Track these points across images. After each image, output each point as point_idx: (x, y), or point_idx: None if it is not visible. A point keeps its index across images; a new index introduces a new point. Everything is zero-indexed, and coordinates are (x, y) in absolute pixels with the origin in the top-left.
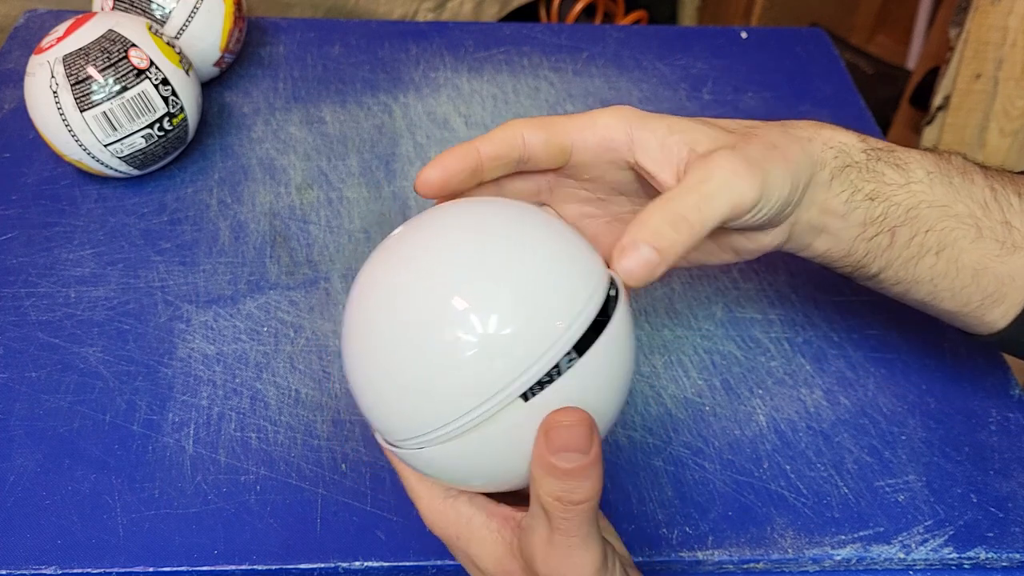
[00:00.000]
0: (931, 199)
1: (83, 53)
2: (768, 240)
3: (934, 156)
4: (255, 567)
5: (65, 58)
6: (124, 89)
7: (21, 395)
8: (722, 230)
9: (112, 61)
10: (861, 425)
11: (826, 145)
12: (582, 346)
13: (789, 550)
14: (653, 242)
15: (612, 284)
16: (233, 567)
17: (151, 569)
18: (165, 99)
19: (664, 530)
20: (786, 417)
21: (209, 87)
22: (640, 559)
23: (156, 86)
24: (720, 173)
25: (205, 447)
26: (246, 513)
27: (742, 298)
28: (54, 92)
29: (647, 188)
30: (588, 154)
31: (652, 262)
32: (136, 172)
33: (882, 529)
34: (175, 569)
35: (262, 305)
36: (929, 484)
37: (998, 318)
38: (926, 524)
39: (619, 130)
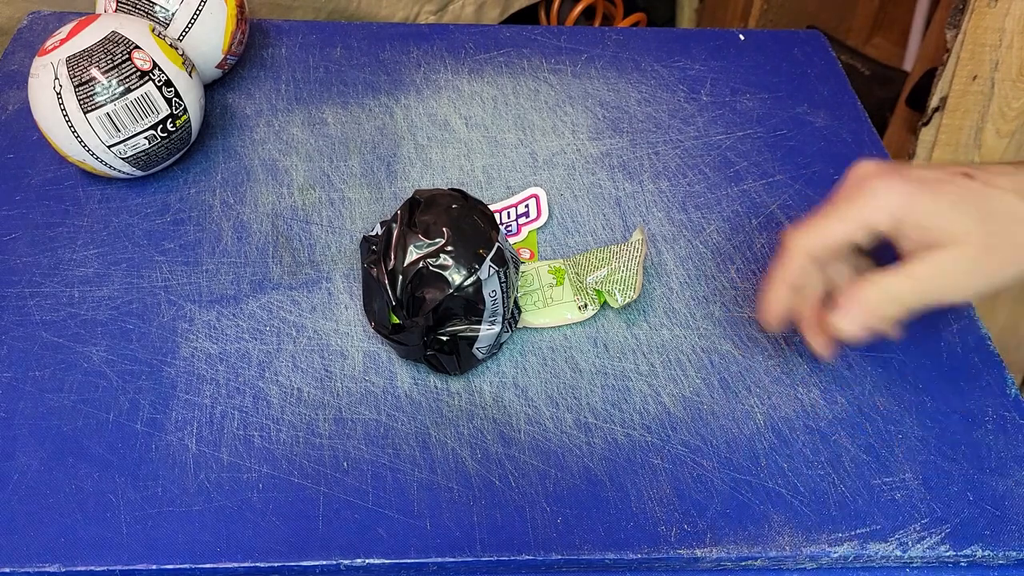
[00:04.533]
0: None
1: (87, 55)
2: None
3: None
4: (257, 564)
5: (69, 60)
6: (127, 91)
7: (25, 394)
8: None
9: (115, 63)
10: (858, 424)
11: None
12: None
13: (786, 548)
14: (870, 313)
15: None
16: (236, 565)
17: (154, 567)
18: (168, 101)
19: (662, 528)
20: (783, 416)
21: (212, 89)
22: (638, 557)
23: (159, 88)
24: (932, 277)
25: (208, 445)
26: (249, 511)
27: (740, 298)
28: (58, 93)
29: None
30: (863, 245)
31: (863, 327)
32: (139, 173)
33: (879, 527)
34: (178, 567)
35: (264, 305)
36: (926, 482)
37: None
38: (923, 522)
39: (884, 224)
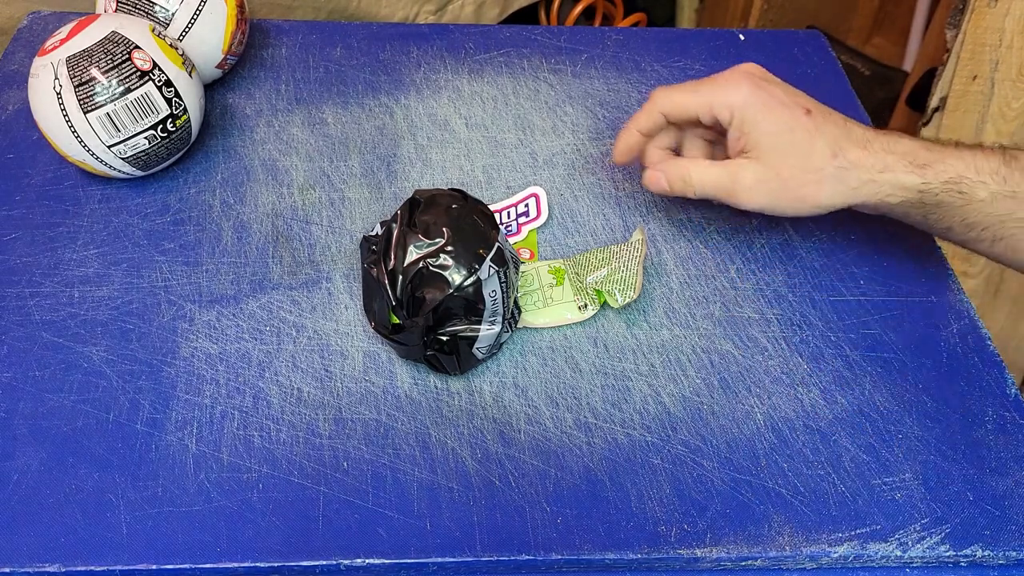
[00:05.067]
0: (990, 211)
1: (87, 55)
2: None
3: (1006, 171)
4: (257, 564)
5: (69, 60)
6: (127, 91)
7: (25, 394)
8: None
9: (115, 63)
10: (858, 424)
11: (876, 192)
12: None
13: (786, 548)
14: (668, 178)
15: None
16: (236, 564)
17: (154, 567)
18: (168, 101)
19: (663, 528)
20: (783, 416)
21: (212, 89)
22: (638, 557)
23: (159, 88)
24: (732, 174)
25: (208, 445)
26: (248, 511)
27: (740, 298)
28: (58, 94)
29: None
30: (706, 122)
31: (661, 188)
32: (139, 173)
33: (879, 527)
34: (178, 567)
35: (264, 305)
36: (926, 482)
37: None
38: (923, 522)
39: (725, 114)
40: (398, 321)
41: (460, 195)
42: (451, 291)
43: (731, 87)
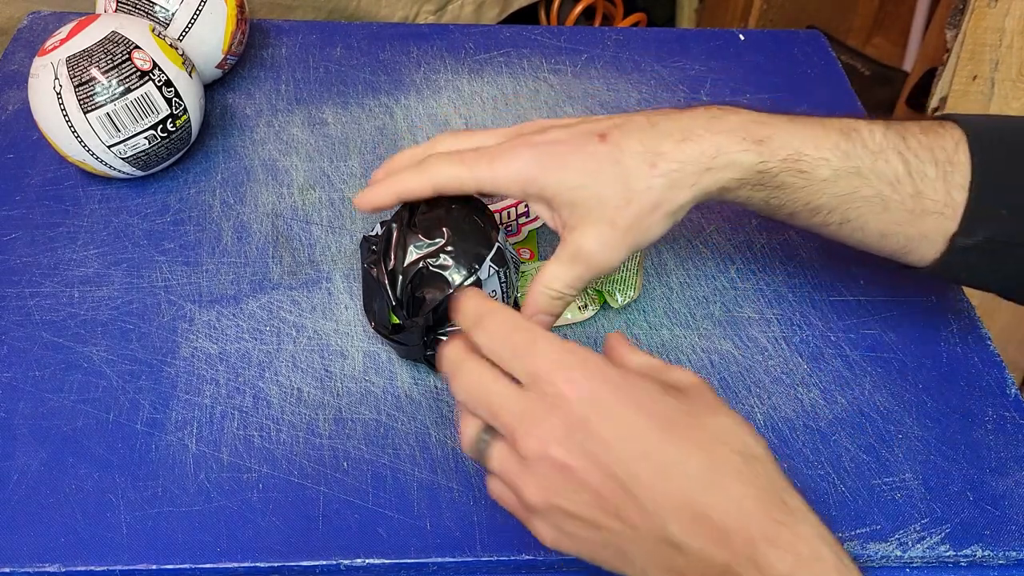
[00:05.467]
0: (833, 191)
1: (87, 55)
2: None
3: (847, 145)
4: (257, 564)
5: (69, 60)
6: (127, 91)
7: (25, 394)
8: None
9: (115, 63)
10: (858, 424)
11: (715, 179)
12: None
13: None
14: (544, 312)
15: None
16: (236, 564)
17: (154, 567)
18: (168, 101)
19: None
20: (783, 416)
21: (212, 89)
22: None
23: (159, 88)
24: (580, 262)
25: (208, 445)
26: (248, 511)
27: (740, 298)
28: (58, 94)
29: None
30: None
31: (548, 323)
32: (139, 173)
33: (879, 527)
34: (178, 567)
35: (264, 305)
36: (926, 482)
37: (917, 260)
38: (923, 522)
39: (515, 190)
40: (398, 321)
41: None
42: (451, 291)
43: (511, 159)
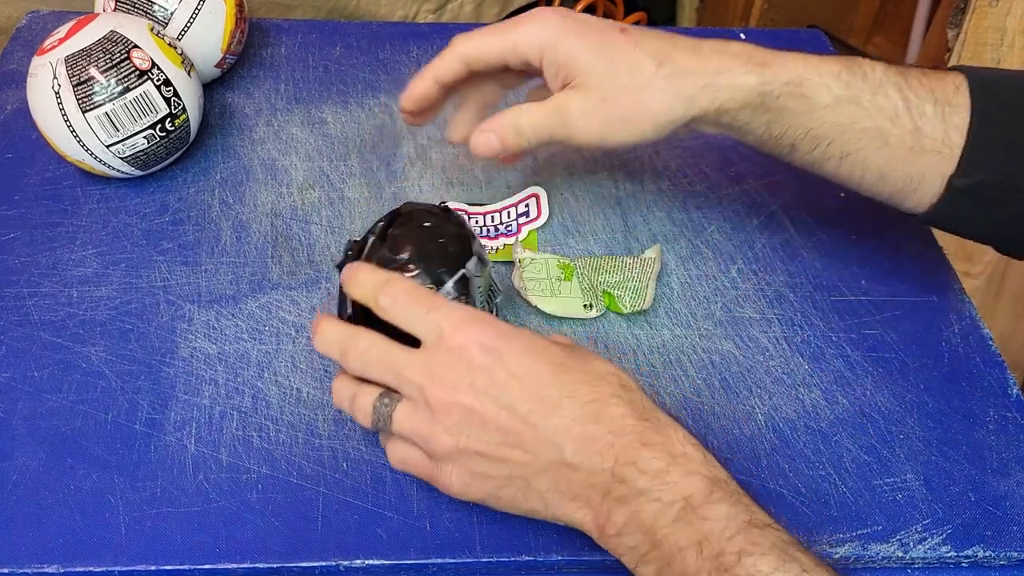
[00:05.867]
0: (834, 119)
1: (85, 54)
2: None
3: (848, 75)
4: (256, 565)
5: (67, 59)
6: (126, 90)
7: (24, 394)
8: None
9: (114, 62)
10: (859, 424)
11: (713, 99)
12: None
13: None
14: (499, 134)
15: None
16: (235, 566)
17: (153, 567)
18: (167, 100)
19: None
20: (784, 416)
21: (211, 88)
22: None
23: (158, 87)
24: (558, 110)
25: (207, 446)
26: (248, 512)
27: (740, 298)
28: (56, 93)
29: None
30: (516, 66)
31: (492, 148)
32: (138, 172)
33: (880, 528)
34: (177, 567)
35: (264, 305)
36: (927, 483)
37: (914, 205)
38: (924, 523)
39: (533, 54)
40: None
41: (442, 212)
42: None
43: (536, 23)
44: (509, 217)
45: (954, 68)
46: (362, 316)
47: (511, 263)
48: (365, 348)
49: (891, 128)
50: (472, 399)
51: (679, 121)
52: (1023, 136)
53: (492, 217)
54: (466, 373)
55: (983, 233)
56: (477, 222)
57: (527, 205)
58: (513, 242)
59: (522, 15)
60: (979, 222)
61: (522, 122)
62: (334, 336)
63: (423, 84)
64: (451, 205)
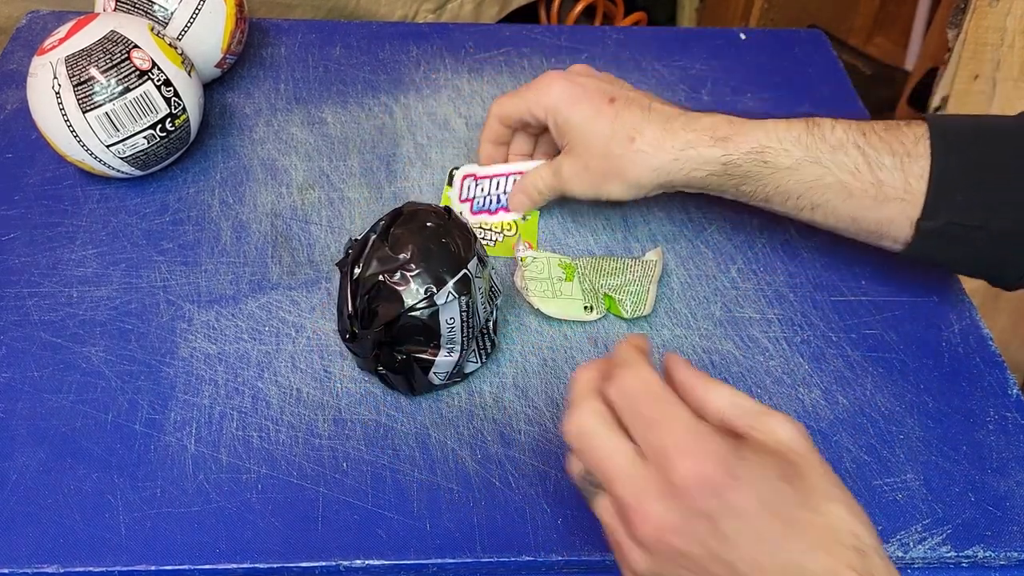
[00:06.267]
0: (798, 178)
1: (85, 54)
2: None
3: (808, 138)
4: (256, 565)
5: (67, 59)
6: (126, 90)
7: (24, 394)
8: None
9: (114, 62)
10: (859, 424)
11: (680, 168)
12: None
13: None
14: (528, 195)
15: None
16: (235, 565)
17: (153, 567)
18: (167, 100)
19: None
20: None
21: (211, 88)
22: None
23: (158, 87)
24: (560, 176)
25: (207, 446)
26: (248, 512)
27: (740, 298)
28: (56, 93)
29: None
30: (535, 126)
31: (525, 204)
32: (138, 172)
33: (880, 528)
34: (177, 567)
35: (264, 305)
36: (927, 483)
37: (891, 245)
38: (924, 523)
39: (541, 115)
40: (355, 330)
41: (445, 213)
42: (403, 310)
43: (544, 89)
44: (498, 188)
45: (918, 117)
46: (363, 316)
47: (512, 263)
48: (586, 428)
49: (853, 181)
50: (685, 544)
51: (652, 186)
52: (988, 177)
53: (497, 183)
54: (678, 514)
55: (964, 268)
56: (482, 189)
57: (515, 181)
58: (513, 224)
59: (536, 80)
60: (956, 259)
61: (538, 185)
62: (575, 386)
63: (486, 149)
64: (461, 170)
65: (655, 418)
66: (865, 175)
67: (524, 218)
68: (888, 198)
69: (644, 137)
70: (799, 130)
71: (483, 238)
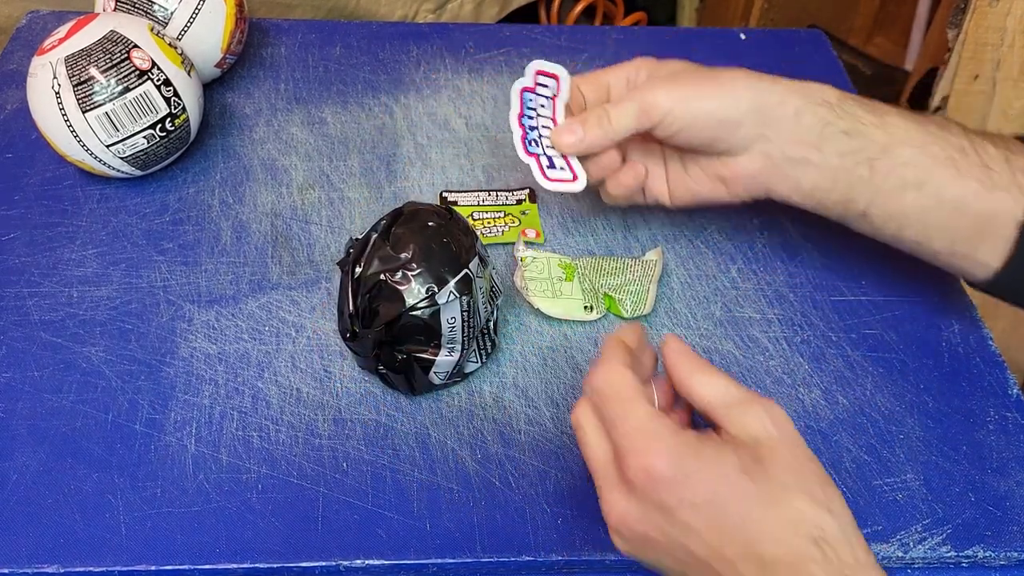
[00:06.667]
0: (906, 138)
1: (85, 54)
2: (742, 166)
3: (910, 111)
4: (257, 565)
5: (67, 59)
6: (126, 90)
7: (24, 394)
8: (694, 154)
9: (114, 62)
10: (859, 424)
11: (790, 90)
12: None
13: None
14: (583, 127)
15: None
16: (235, 565)
17: (153, 567)
18: (167, 100)
19: None
20: None
21: (211, 88)
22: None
23: (158, 87)
24: (642, 90)
25: (207, 446)
26: (248, 512)
27: (740, 298)
28: (56, 93)
29: None
30: (617, 91)
31: (578, 139)
32: (138, 172)
33: (880, 528)
34: (177, 567)
35: (264, 305)
36: (927, 483)
37: (989, 257)
38: (924, 523)
39: (634, 75)
40: (356, 329)
41: (446, 212)
42: (404, 309)
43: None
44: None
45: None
46: (364, 316)
47: (512, 263)
48: (582, 405)
49: (960, 159)
50: (646, 529)
51: (748, 108)
52: None
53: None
54: (638, 504)
55: None
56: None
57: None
58: (516, 215)
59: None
60: None
61: (610, 112)
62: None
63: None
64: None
65: (614, 417)
66: (972, 156)
67: (525, 213)
68: (996, 186)
69: (768, 77)
70: (905, 110)
71: (485, 229)
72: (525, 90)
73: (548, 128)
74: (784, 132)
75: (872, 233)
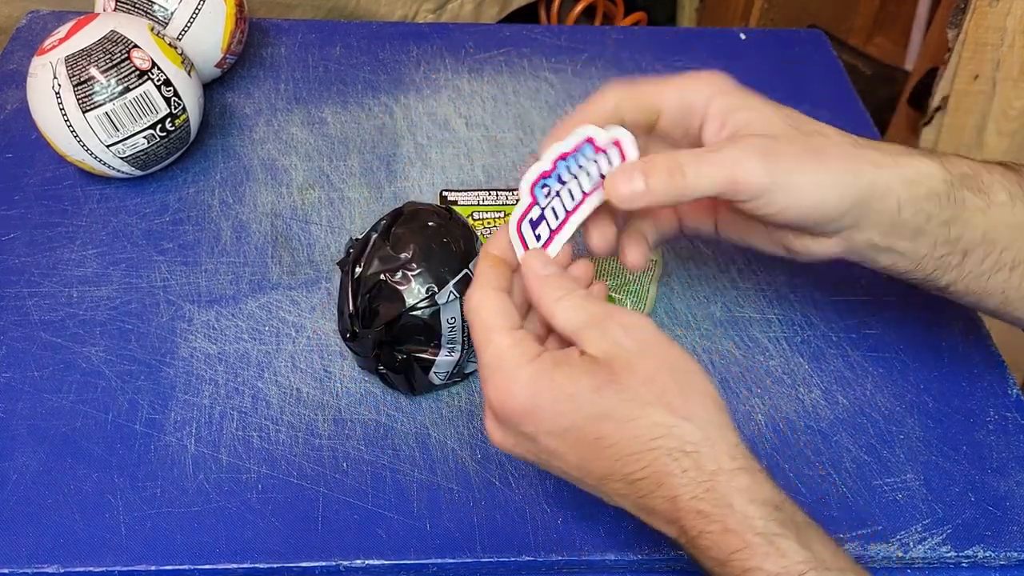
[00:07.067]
0: (1010, 221)
1: (85, 54)
2: (819, 247)
3: (1016, 176)
4: (257, 565)
5: (67, 59)
6: (126, 90)
7: (24, 394)
8: (774, 227)
9: (114, 62)
10: (859, 424)
11: (897, 175)
12: None
13: None
14: (647, 176)
15: None
16: (235, 565)
17: (153, 567)
18: (167, 100)
19: None
20: (784, 416)
21: (211, 88)
22: (639, 558)
23: (158, 87)
24: (734, 150)
25: (207, 446)
26: (248, 512)
27: (741, 298)
28: (56, 93)
29: None
30: (670, 117)
31: (638, 191)
32: (138, 172)
33: (880, 528)
34: (177, 567)
35: (264, 305)
36: (927, 483)
37: None
38: (924, 523)
39: (699, 100)
40: (356, 329)
41: (446, 212)
42: (405, 309)
43: (692, 80)
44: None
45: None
46: (364, 315)
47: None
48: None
49: None
50: (512, 447)
51: (859, 189)
52: None
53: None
54: (499, 426)
55: None
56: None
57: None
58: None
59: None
60: None
61: (685, 165)
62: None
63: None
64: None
65: (477, 346)
66: None
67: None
68: None
69: (877, 147)
70: (1005, 168)
71: (485, 229)
72: (561, 157)
73: (560, 217)
74: (879, 225)
75: (944, 296)
